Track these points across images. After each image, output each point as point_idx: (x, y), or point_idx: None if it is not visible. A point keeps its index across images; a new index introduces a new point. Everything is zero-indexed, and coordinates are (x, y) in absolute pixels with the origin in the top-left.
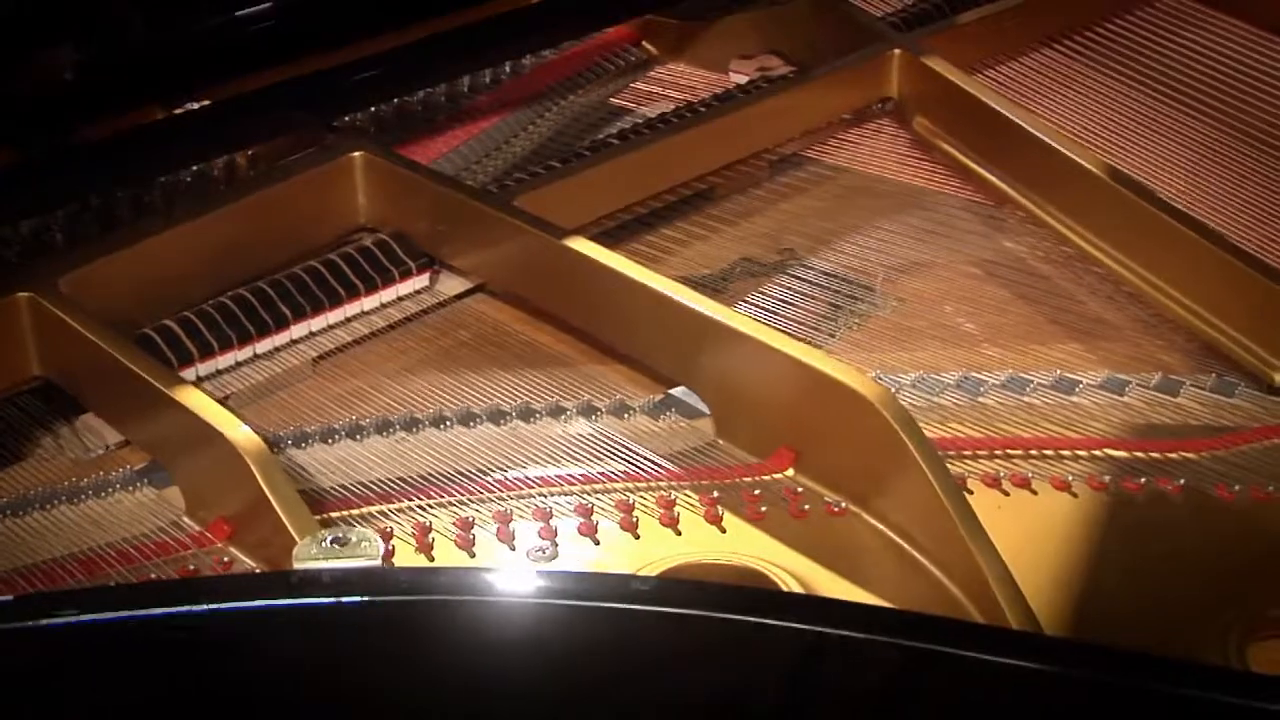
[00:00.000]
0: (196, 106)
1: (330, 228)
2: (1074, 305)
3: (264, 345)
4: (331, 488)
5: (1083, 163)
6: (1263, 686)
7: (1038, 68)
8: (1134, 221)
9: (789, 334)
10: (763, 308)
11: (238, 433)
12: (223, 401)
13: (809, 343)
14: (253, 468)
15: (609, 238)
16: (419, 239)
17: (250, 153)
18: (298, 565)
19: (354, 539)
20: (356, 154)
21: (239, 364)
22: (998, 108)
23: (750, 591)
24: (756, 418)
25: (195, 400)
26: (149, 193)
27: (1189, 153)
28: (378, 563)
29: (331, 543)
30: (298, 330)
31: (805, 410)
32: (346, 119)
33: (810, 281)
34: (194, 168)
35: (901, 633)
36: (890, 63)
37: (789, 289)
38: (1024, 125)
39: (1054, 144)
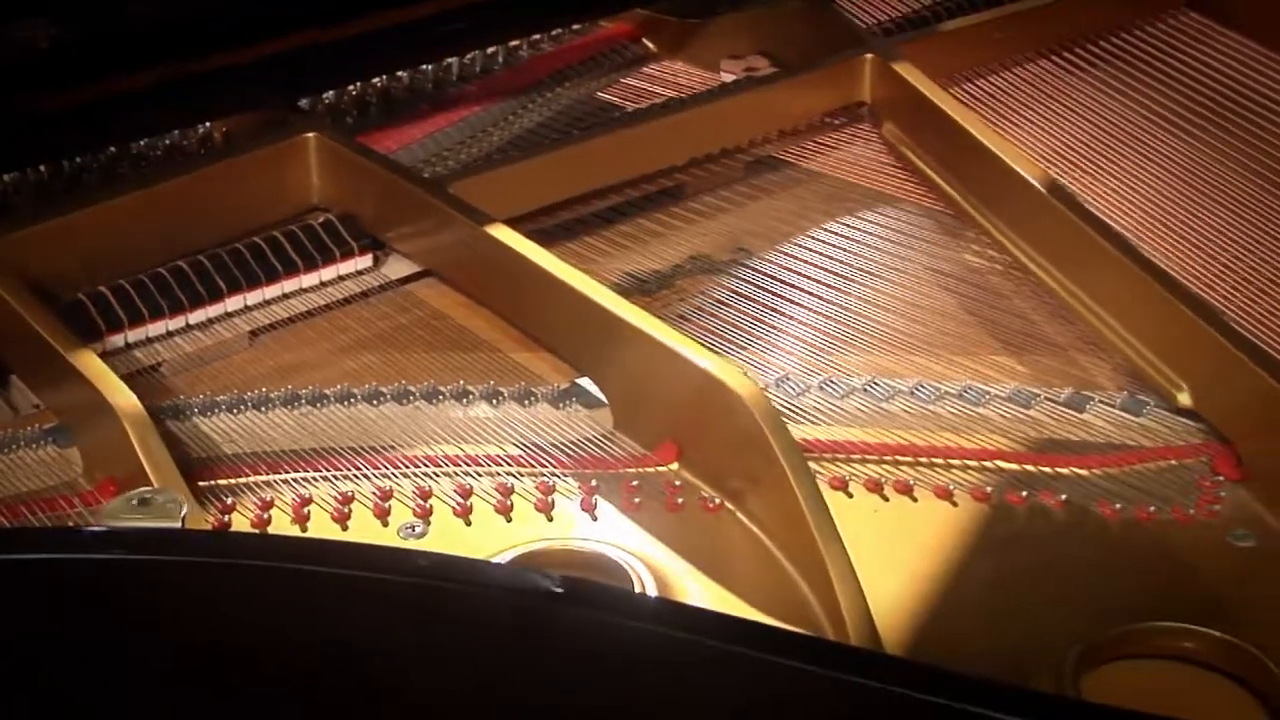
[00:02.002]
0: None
1: (283, 206)
2: (1019, 319)
3: (197, 316)
4: (231, 455)
5: (1026, 176)
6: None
7: (1030, 79)
8: (1068, 239)
9: (686, 332)
10: (699, 306)
11: (118, 397)
12: (153, 369)
13: (735, 344)
14: (129, 431)
15: (567, 230)
16: (365, 222)
17: (225, 130)
18: (104, 521)
19: (159, 500)
20: (310, 135)
21: (170, 333)
22: (955, 116)
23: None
24: (646, 411)
25: (87, 364)
26: (120, 164)
27: (1175, 170)
28: (176, 524)
29: (138, 504)
30: (232, 303)
31: (688, 405)
32: (327, 100)
33: (754, 284)
34: (166, 141)
35: (695, 628)
36: (863, 68)
37: (732, 289)
38: (975, 134)
39: (1001, 155)
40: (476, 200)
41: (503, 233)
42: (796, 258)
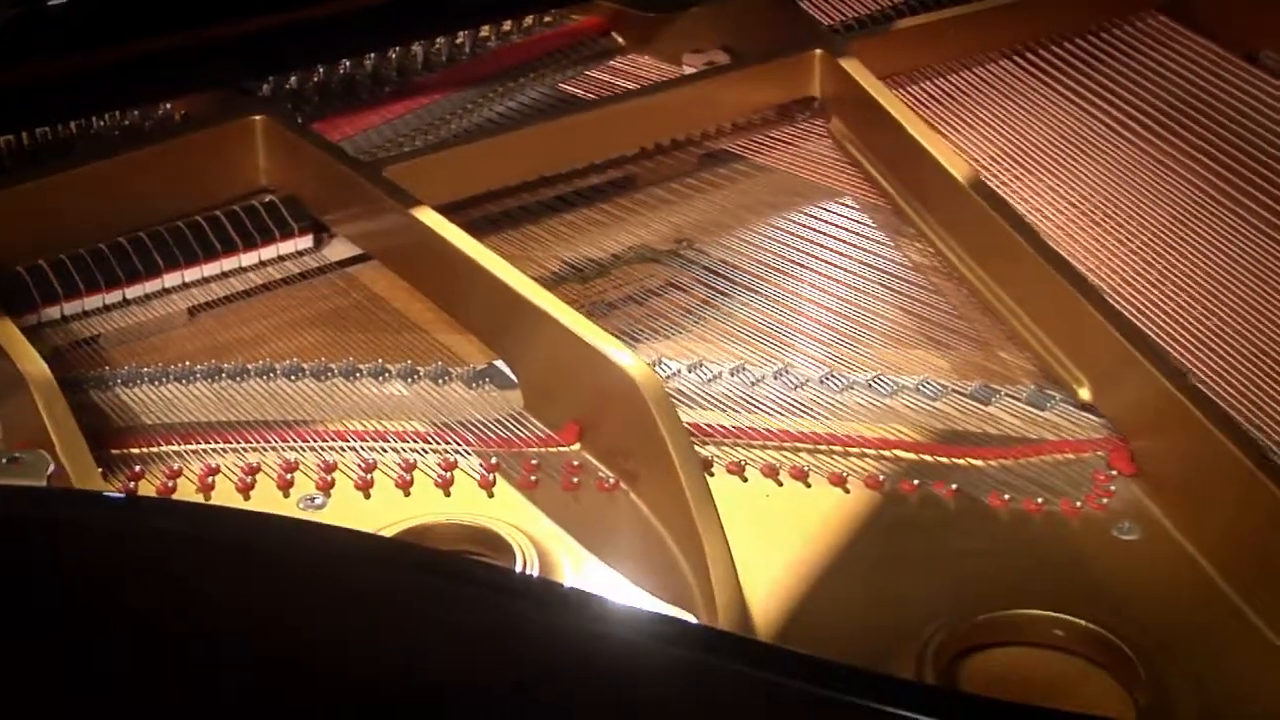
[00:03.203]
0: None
1: (231, 186)
2: (950, 315)
3: (134, 291)
4: (149, 425)
5: (951, 172)
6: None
7: (990, 79)
8: (989, 236)
9: (610, 318)
10: (630, 295)
11: (27, 364)
12: (90, 341)
13: (658, 331)
14: (35, 397)
15: (512, 218)
16: (307, 204)
17: (184, 111)
18: None
19: (27, 459)
20: (258, 118)
21: (107, 307)
22: (891, 111)
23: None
24: (552, 393)
25: (1, 333)
26: (76, 142)
27: (1124, 174)
28: (41, 483)
29: (8, 463)
30: (170, 279)
31: (589, 388)
32: (290, 85)
33: (689, 274)
34: (125, 122)
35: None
36: (812, 63)
37: (669, 279)
38: (908, 130)
39: (931, 151)
40: (415, 185)
41: (427, 216)
42: (735, 250)
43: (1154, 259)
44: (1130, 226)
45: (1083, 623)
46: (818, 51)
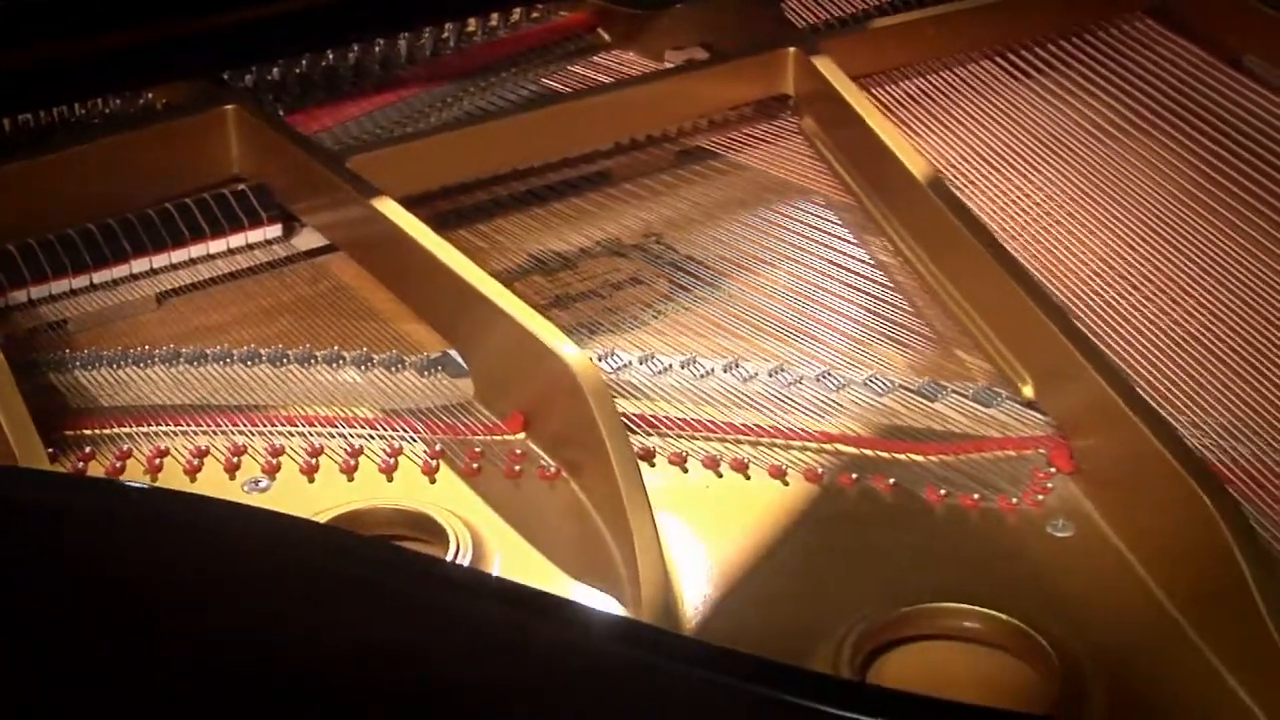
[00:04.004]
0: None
1: (205, 175)
2: (909, 314)
3: (101, 276)
4: (105, 408)
5: (910, 170)
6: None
7: (969, 80)
8: (944, 234)
9: (571, 310)
10: (594, 289)
11: None
12: (58, 326)
13: (616, 325)
14: None
15: (483, 210)
16: (277, 193)
17: (166, 101)
18: None
19: None
20: (230, 107)
21: (74, 291)
22: (857, 109)
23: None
24: (500, 382)
25: None
26: (56, 130)
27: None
28: None
29: None
30: (138, 265)
31: (534, 378)
32: (272, 76)
33: (656, 270)
34: (106, 110)
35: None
36: (786, 61)
37: (634, 272)
38: (872, 128)
39: (892, 149)
40: (382, 175)
41: (386, 206)
42: (702, 245)
43: (1120, 260)
44: (1101, 227)
45: (1002, 616)
46: (791, 49)
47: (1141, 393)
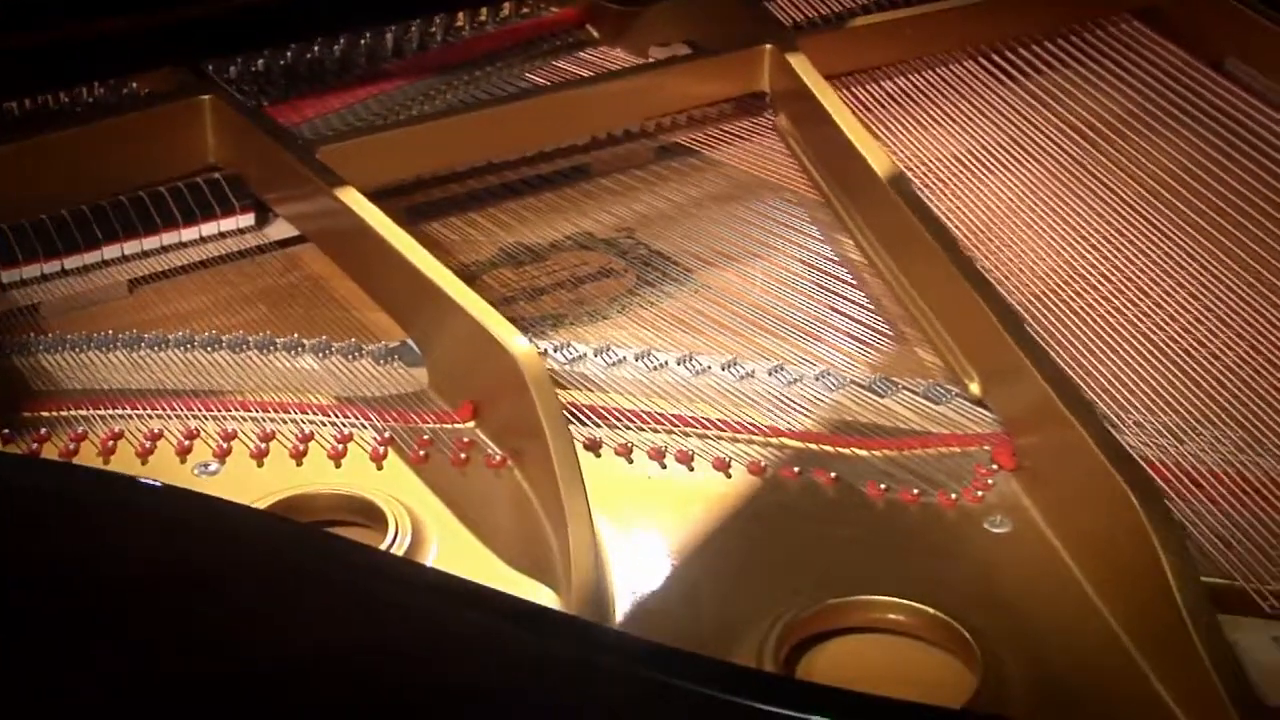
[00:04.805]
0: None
1: (181, 164)
2: (870, 312)
3: (72, 262)
4: (64, 390)
5: (873, 167)
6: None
7: (951, 79)
8: (902, 232)
9: (537, 303)
10: (561, 282)
11: None
12: (29, 310)
13: (578, 319)
14: None
15: (456, 204)
16: (250, 182)
17: (148, 90)
18: None
19: None
20: (206, 97)
21: (46, 277)
22: (826, 107)
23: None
24: (453, 371)
25: None
26: (38, 117)
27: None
28: None
29: None
30: (109, 252)
31: (482, 367)
32: (256, 68)
33: (624, 264)
34: (90, 99)
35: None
36: (762, 58)
37: (604, 266)
38: (840, 126)
39: (858, 147)
40: (352, 167)
41: (349, 197)
42: (673, 240)
43: (1083, 260)
44: (1069, 229)
45: (929, 609)
46: (768, 46)
47: (1091, 392)
